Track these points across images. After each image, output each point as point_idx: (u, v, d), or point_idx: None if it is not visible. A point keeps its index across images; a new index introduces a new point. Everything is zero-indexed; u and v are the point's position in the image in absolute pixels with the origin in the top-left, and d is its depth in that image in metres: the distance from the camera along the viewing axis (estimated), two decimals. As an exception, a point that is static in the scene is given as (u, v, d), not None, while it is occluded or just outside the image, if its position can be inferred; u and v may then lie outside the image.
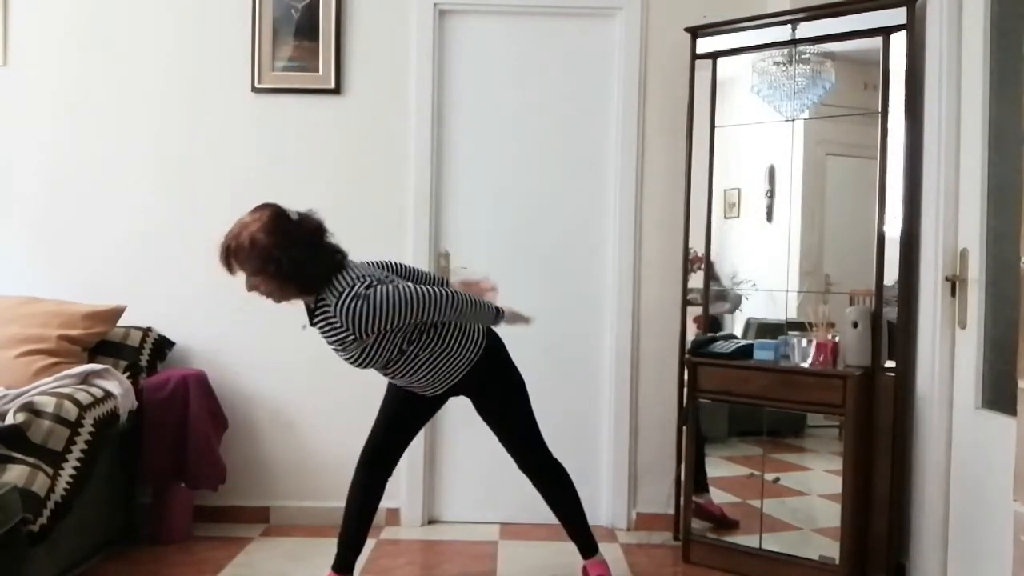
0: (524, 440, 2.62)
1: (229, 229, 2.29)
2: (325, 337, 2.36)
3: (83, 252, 3.43)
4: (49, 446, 2.57)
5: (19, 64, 3.43)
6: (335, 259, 2.31)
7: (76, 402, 2.71)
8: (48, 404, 2.63)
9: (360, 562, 3.00)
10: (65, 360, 2.99)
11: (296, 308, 3.39)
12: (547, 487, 2.66)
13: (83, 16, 3.43)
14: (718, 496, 3.10)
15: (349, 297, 2.22)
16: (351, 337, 2.27)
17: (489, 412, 2.62)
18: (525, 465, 2.64)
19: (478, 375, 2.52)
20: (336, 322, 2.25)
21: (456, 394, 2.59)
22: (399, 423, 2.62)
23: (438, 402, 2.64)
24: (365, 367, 2.41)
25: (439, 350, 2.43)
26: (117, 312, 3.21)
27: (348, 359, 2.39)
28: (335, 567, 2.65)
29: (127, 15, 3.43)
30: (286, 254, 2.21)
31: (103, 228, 3.44)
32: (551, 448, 2.69)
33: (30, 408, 2.60)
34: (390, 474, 2.64)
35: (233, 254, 2.24)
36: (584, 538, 2.68)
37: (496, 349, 2.58)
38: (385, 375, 2.51)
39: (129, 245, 3.43)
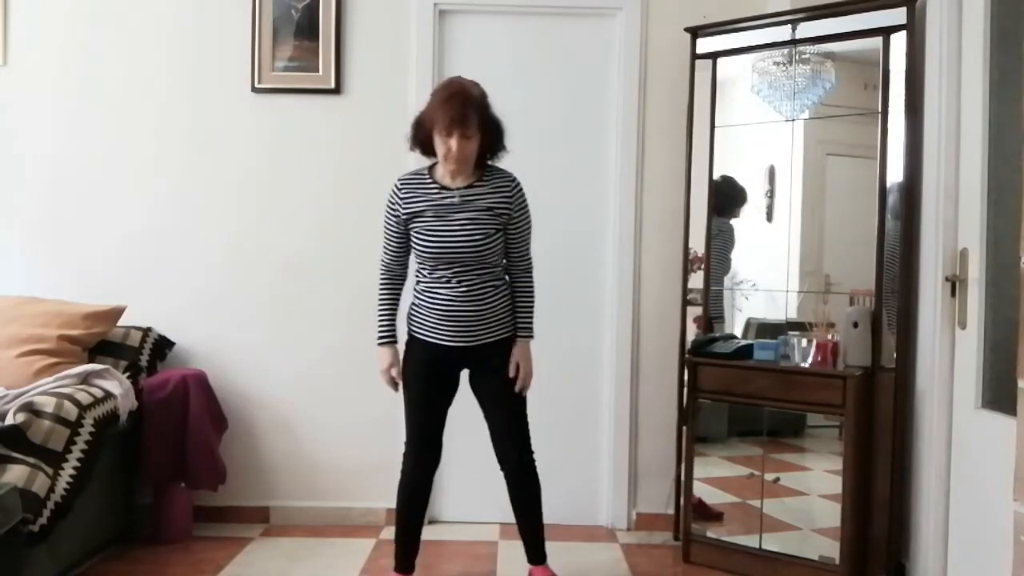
0: (521, 432, 2.66)
1: (452, 80, 2.55)
2: (480, 207, 2.55)
3: (83, 252, 3.43)
4: (49, 446, 2.57)
5: (19, 64, 3.42)
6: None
7: (76, 402, 2.71)
8: (48, 404, 2.63)
9: (359, 563, 3.01)
10: (65, 360, 2.99)
11: (294, 309, 3.42)
12: (529, 481, 2.67)
13: (83, 16, 3.42)
14: (718, 496, 3.11)
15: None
16: (515, 214, 2.60)
17: (498, 394, 2.64)
18: (515, 458, 2.65)
19: (501, 351, 2.61)
20: (508, 193, 2.58)
21: (475, 362, 2.62)
22: (434, 408, 2.66)
23: (456, 378, 2.67)
24: (480, 249, 2.55)
25: (503, 290, 2.65)
26: (117, 312, 3.21)
27: (476, 235, 2.54)
28: (399, 568, 2.68)
29: (127, 15, 3.42)
30: (495, 118, 2.56)
31: (103, 228, 3.44)
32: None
33: (30, 408, 2.60)
34: (439, 462, 2.69)
35: (472, 100, 2.46)
36: (542, 542, 2.72)
37: None
38: (458, 285, 2.56)
39: (129, 245, 3.43)
